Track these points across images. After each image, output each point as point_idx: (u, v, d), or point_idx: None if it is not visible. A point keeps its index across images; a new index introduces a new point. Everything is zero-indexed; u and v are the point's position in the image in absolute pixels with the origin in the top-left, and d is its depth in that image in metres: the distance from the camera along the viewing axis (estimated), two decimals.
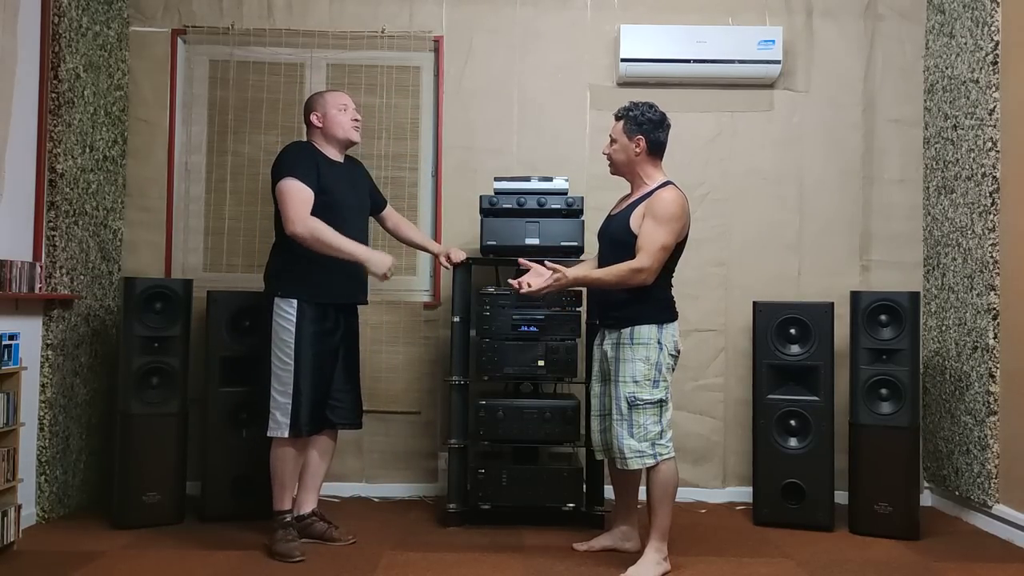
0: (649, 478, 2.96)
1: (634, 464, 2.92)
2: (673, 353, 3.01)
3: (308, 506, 3.29)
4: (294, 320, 3.08)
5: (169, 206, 4.11)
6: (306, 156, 3.15)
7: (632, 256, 2.92)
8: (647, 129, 3.01)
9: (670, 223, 2.91)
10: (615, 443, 2.96)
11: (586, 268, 3.17)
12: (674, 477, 2.97)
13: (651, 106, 3.05)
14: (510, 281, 3.01)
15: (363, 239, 3.27)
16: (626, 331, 2.97)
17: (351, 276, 3.22)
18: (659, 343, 2.96)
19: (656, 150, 3.05)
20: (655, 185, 3.02)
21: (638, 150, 3.02)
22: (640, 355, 2.94)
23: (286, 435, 3.08)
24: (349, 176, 3.27)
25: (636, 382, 2.93)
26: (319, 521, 3.28)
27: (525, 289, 2.93)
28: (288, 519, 3.15)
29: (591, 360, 3.22)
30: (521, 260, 3.12)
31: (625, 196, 3.17)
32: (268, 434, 3.12)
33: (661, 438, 2.93)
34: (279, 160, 3.15)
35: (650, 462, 2.92)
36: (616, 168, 3.11)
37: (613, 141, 3.07)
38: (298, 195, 3.04)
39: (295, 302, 3.09)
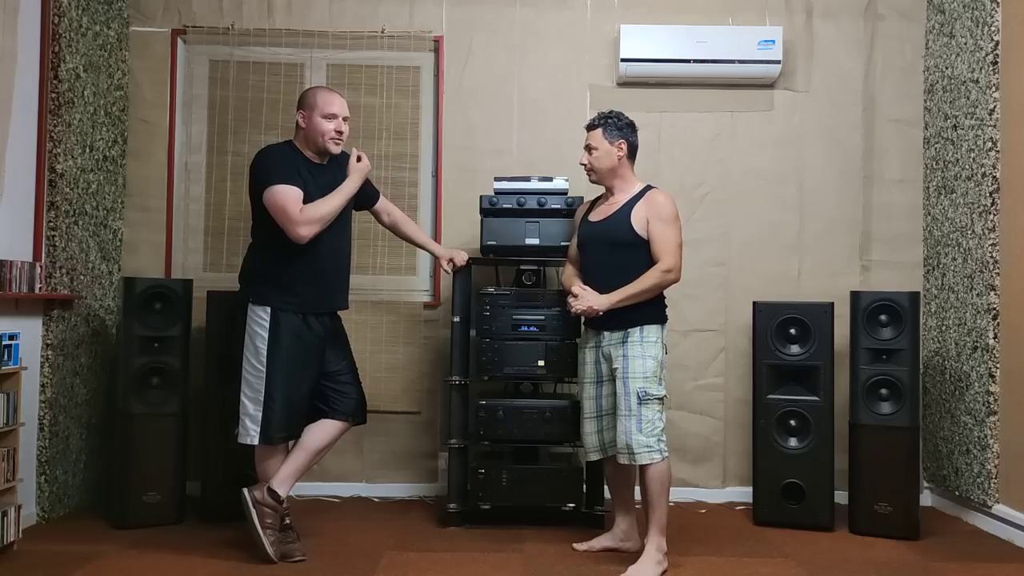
0: (647, 475, 2.99)
1: (643, 459, 2.97)
2: (667, 351, 3.16)
3: (283, 487, 3.05)
4: (267, 327, 3.03)
5: (169, 206, 4.11)
6: (287, 160, 3.06)
7: (637, 254, 3.05)
8: (626, 132, 3.17)
9: (676, 222, 3.08)
10: (623, 439, 3.00)
11: (576, 275, 3.28)
12: (670, 473, 3.07)
13: (621, 113, 3.21)
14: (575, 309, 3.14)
15: (345, 243, 3.23)
16: (635, 330, 3.05)
17: (327, 285, 3.15)
18: (662, 343, 3.10)
19: (633, 153, 3.20)
20: (640, 188, 3.17)
21: (620, 153, 3.15)
22: (650, 353, 3.04)
23: (256, 443, 3.04)
24: (331, 180, 3.14)
25: (646, 378, 3.01)
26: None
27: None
28: (288, 521, 3.13)
29: (579, 363, 3.27)
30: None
31: (602, 202, 3.24)
32: (239, 440, 3.07)
33: (663, 434, 3.02)
34: (260, 165, 3.06)
35: (657, 457, 2.98)
36: (599, 175, 3.19)
37: (593, 149, 3.16)
38: (289, 199, 2.97)
39: (269, 309, 3.04)
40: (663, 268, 3.02)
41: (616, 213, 3.12)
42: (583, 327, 3.29)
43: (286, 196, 2.98)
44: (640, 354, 3.02)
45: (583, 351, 3.24)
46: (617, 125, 3.15)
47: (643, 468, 2.99)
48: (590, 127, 3.20)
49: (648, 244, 3.06)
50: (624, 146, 3.14)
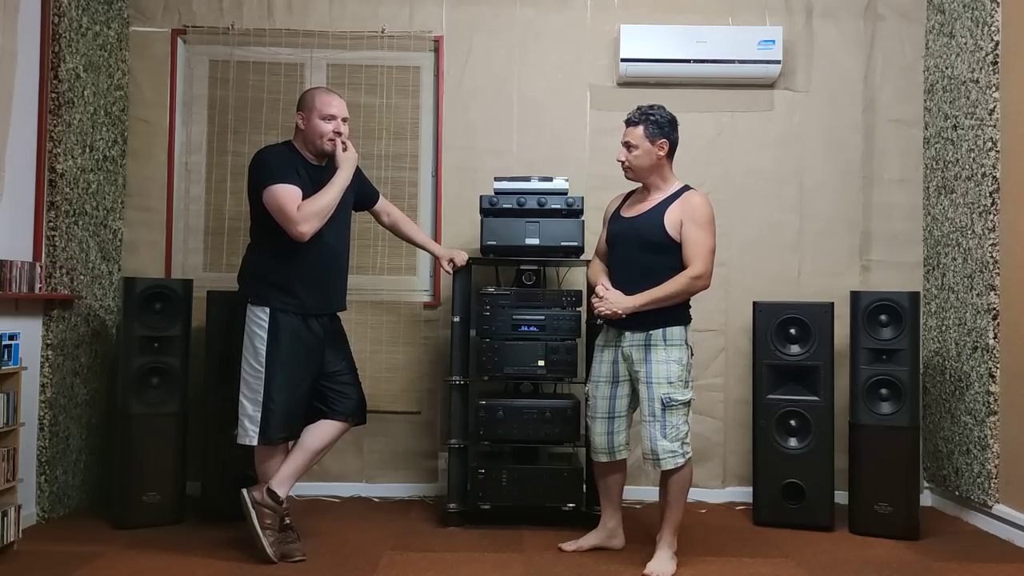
0: (669, 476, 2.99)
1: (667, 464, 2.95)
2: (693, 353, 3.08)
3: (282, 487, 3.07)
4: (266, 327, 3.03)
5: (169, 206, 4.11)
6: (285, 161, 3.06)
7: (667, 256, 2.97)
8: (668, 131, 3.04)
9: (710, 226, 3.00)
10: (647, 445, 2.97)
11: (603, 272, 3.18)
12: (691, 474, 3.06)
13: (662, 107, 3.07)
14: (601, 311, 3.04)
15: (344, 245, 3.22)
16: (657, 332, 2.98)
17: (326, 287, 3.14)
18: (687, 344, 3.03)
19: (673, 151, 3.08)
20: (677, 187, 3.07)
21: (661, 153, 3.03)
22: (674, 356, 2.98)
23: (255, 443, 3.04)
24: (329, 180, 3.12)
25: (670, 383, 2.96)
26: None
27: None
28: (288, 521, 3.13)
29: (595, 361, 3.19)
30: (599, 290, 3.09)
31: (636, 198, 3.15)
32: (238, 441, 3.07)
33: (687, 437, 2.99)
34: (259, 166, 3.06)
35: (680, 461, 2.96)
36: (637, 173, 3.08)
37: (633, 147, 3.03)
38: (288, 198, 2.96)
39: (268, 310, 3.04)
40: (693, 274, 2.93)
41: (650, 211, 3.03)
42: (602, 325, 3.19)
43: (285, 195, 2.97)
44: (664, 358, 2.96)
45: (601, 349, 3.16)
46: (659, 123, 3.00)
47: (666, 471, 2.98)
48: (630, 123, 3.04)
49: (679, 247, 2.96)
50: (666, 145, 3.02)
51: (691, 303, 3.10)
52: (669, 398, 2.94)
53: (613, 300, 2.98)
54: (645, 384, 2.98)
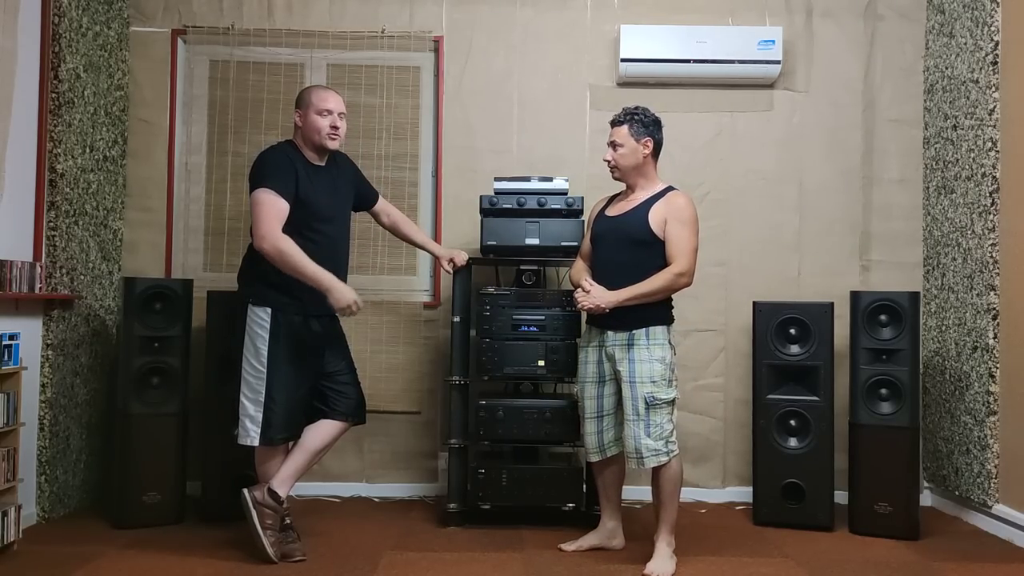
0: (660, 475, 3.00)
1: (651, 463, 2.96)
2: (676, 352, 3.10)
3: (282, 487, 3.06)
4: (268, 328, 3.03)
5: (169, 206, 4.11)
6: (285, 163, 3.04)
7: (651, 254, 3.02)
8: (653, 130, 3.09)
9: (694, 225, 3.05)
10: (631, 444, 2.98)
11: (586, 271, 3.21)
12: (681, 472, 3.07)
13: (647, 108, 3.13)
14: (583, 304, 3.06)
15: (343, 246, 3.22)
16: (640, 332, 3.01)
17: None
18: (669, 343, 3.06)
19: (658, 151, 3.13)
20: (661, 187, 3.11)
21: (646, 151, 3.08)
22: (656, 355, 3.00)
23: (257, 443, 3.04)
24: (329, 181, 3.14)
25: (654, 382, 2.97)
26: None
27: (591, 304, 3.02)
28: (288, 521, 3.13)
29: (580, 363, 3.23)
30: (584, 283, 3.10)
31: (620, 199, 3.20)
32: (239, 442, 3.07)
33: (672, 435, 2.99)
34: (258, 166, 3.06)
35: (664, 459, 2.97)
36: (622, 173, 3.13)
37: (618, 146, 3.09)
38: (271, 208, 2.94)
39: (269, 310, 3.04)
40: (676, 271, 2.98)
41: (634, 210, 3.08)
42: (585, 325, 3.26)
43: (269, 205, 2.95)
44: (647, 358, 2.99)
45: (584, 350, 3.20)
46: (644, 122, 3.07)
47: (654, 470, 3.00)
48: (615, 123, 3.11)
49: (663, 245, 3.01)
50: (650, 144, 3.08)
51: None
52: (652, 397, 2.96)
53: (596, 295, 3.01)
54: (628, 383, 3.00)
